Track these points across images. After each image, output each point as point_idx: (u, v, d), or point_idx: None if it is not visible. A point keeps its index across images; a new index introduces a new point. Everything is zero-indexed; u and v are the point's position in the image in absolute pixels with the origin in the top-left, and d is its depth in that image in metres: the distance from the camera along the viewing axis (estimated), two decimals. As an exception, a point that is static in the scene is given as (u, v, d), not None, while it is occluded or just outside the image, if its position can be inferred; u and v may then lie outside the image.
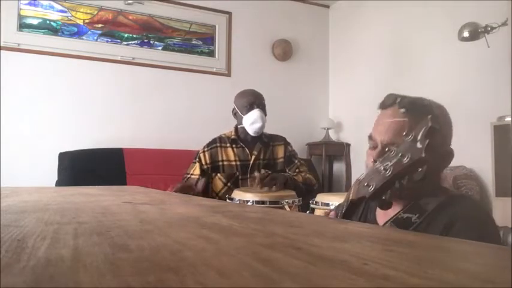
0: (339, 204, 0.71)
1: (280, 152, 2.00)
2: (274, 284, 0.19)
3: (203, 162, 1.93)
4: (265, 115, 1.95)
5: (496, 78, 2.37)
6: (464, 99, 2.58)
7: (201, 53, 3.49)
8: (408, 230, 0.80)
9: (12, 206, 0.59)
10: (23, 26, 2.91)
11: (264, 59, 3.69)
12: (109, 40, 3.18)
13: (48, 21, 3.00)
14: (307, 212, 1.55)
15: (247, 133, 1.95)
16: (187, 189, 1.73)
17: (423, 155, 0.48)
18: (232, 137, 1.97)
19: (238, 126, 2.00)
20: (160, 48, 3.35)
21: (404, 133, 0.58)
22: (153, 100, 3.23)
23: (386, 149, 0.60)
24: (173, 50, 3.38)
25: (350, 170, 3.53)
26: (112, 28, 3.19)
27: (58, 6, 3.04)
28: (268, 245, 0.29)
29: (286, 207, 1.52)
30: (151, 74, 3.25)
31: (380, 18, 3.38)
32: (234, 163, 1.93)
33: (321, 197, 1.57)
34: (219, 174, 1.93)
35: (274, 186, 1.70)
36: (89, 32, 3.13)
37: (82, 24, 3.11)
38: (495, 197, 2.10)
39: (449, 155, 0.85)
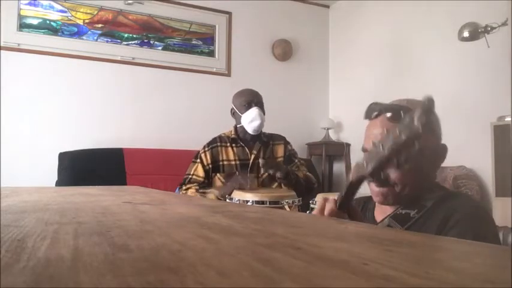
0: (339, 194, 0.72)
1: (280, 151, 2.00)
2: (274, 284, 0.19)
3: (205, 162, 1.93)
4: (264, 113, 1.95)
5: (496, 78, 2.37)
6: (464, 99, 2.59)
7: (201, 53, 3.49)
8: (407, 225, 0.80)
9: (12, 206, 0.59)
10: (23, 26, 2.91)
11: (264, 59, 3.69)
12: (109, 40, 3.18)
13: (48, 21, 3.00)
14: (307, 212, 1.55)
15: (246, 132, 1.95)
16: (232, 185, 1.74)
17: (420, 131, 0.49)
18: (232, 136, 1.97)
19: (238, 126, 2.00)
20: (160, 48, 3.35)
21: (372, 141, 0.60)
22: (153, 100, 3.23)
23: (386, 130, 0.60)
24: (173, 50, 3.38)
25: (350, 170, 3.53)
26: (112, 28, 3.19)
27: (58, 6, 3.04)
28: (268, 245, 0.29)
29: (286, 207, 1.53)
30: (151, 74, 3.25)
31: (380, 18, 3.38)
32: (233, 162, 1.93)
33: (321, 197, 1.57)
34: (218, 174, 1.92)
35: (278, 172, 1.70)
36: (89, 32, 3.13)
37: (82, 24, 3.11)
38: (495, 197, 2.10)
39: (443, 150, 0.86)
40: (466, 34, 2.38)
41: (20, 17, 2.90)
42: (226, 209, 0.57)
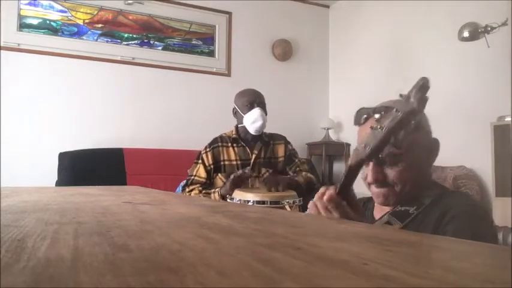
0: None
1: (280, 150, 2.00)
2: (274, 284, 0.19)
3: (206, 163, 1.93)
4: (266, 114, 1.95)
5: (496, 78, 2.37)
6: (464, 99, 2.59)
7: (201, 53, 3.49)
8: (406, 221, 0.81)
9: (12, 206, 0.59)
10: (23, 26, 2.91)
11: (264, 59, 3.69)
12: (109, 40, 3.18)
13: (48, 21, 3.00)
14: (311, 201, 1.55)
15: (247, 132, 1.95)
16: (238, 181, 1.75)
17: (415, 105, 0.50)
18: (233, 136, 1.97)
19: (239, 126, 1.99)
20: (160, 48, 3.35)
21: (371, 126, 0.59)
22: (153, 100, 3.23)
23: (382, 112, 0.60)
24: (173, 50, 3.38)
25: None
26: (112, 28, 3.19)
27: (58, 6, 3.04)
28: (268, 245, 0.29)
29: (287, 207, 1.53)
30: (151, 74, 3.25)
31: (380, 18, 3.38)
32: (234, 162, 1.93)
33: (321, 197, 1.56)
34: (219, 174, 1.92)
35: (278, 187, 1.71)
36: (89, 32, 3.13)
37: (82, 24, 3.11)
38: (495, 197, 2.10)
39: (435, 144, 0.86)
40: (466, 34, 2.38)
41: (20, 17, 2.90)
42: (226, 209, 0.57)
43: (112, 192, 0.94)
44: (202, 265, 0.23)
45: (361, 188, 0.91)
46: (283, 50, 3.72)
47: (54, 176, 2.68)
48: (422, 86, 0.50)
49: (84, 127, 3.01)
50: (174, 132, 3.23)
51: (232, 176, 1.77)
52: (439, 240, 0.37)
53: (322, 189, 0.73)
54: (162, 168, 2.86)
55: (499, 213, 2.01)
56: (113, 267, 0.22)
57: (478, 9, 2.49)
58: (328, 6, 4.01)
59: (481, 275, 0.22)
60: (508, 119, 2.08)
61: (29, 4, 2.94)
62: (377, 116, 0.82)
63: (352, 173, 0.67)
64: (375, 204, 0.93)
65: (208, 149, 1.95)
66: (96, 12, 3.15)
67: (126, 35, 3.24)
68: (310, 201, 0.75)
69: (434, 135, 0.89)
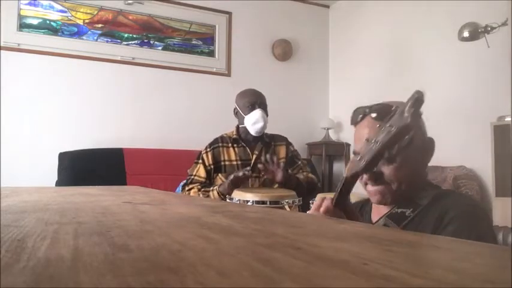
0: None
1: (282, 152, 2.00)
2: (274, 284, 0.19)
3: (206, 163, 1.93)
4: (267, 115, 1.95)
5: (496, 78, 2.37)
6: (464, 99, 2.59)
7: (201, 53, 3.49)
8: (402, 224, 0.81)
9: (12, 206, 0.59)
10: (23, 26, 2.91)
11: (264, 59, 3.69)
12: (109, 40, 3.18)
13: (48, 21, 3.00)
14: (308, 212, 1.55)
15: (248, 133, 1.95)
16: (237, 181, 1.75)
17: (409, 121, 0.50)
18: (234, 136, 1.97)
19: (240, 126, 1.99)
20: (160, 48, 3.35)
21: (365, 138, 0.60)
22: (153, 100, 3.23)
23: (378, 125, 0.61)
24: (173, 50, 3.38)
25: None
26: (112, 28, 3.19)
27: (58, 6, 3.04)
28: (268, 245, 0.29)
29: (287, 207, 1.52)
30: (151, 74, 3.25)
31: (380, 18, 3.38)
32: (235, 163, 1.93)
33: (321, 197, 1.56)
34: (220, 174, 1.92)
35: (277, 176, 1.73)
36: (89, 32, 3.13)
37: (82, 24, 3.11)
38: (495, 197, 2.10)
39: (430, 144, 0.86)
40: (466, 34, 2.38)
41: (20, 17, 2.90)
42: (226, 209, 0.57)
43: (112, 192, 0.94)
44: (202, 265, 0.23)
45: (360, 188, 0.91)
46: (283, 50, 3.72)
47: (54, 176, 2.68)
48: (417, 100, 0.50)
49: (84, 127, 3.01)
50: (174, 132, 3.23)
51: (231, 176, 1.77)
52: (439, 240, 0.37)
53: (318, 201, 0.74)
54: (162, 168, 2.86)
55: (499, 213, 2.01)
56: (113, 267, 0.22)
57: (478, 9, 2.49)
58: (328, 6, 4.01)
59: (481, 275, 0.22)
60: (508, 119, 2.08)
61: (29, 4, 2.94)
62: (373, 115, 0.83)
63: (348, 184, 0.68)
64: (372, 207, 0.92)
65: (208, 149, 1.95)
66: (96, 12, 3.15)
67: (126, 35, 3.24)
68: (308, 212, 0.75)
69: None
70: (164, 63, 3.31)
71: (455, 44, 2.56)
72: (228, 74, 3.52)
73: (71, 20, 3.08)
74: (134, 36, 3.26)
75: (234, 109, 2.03)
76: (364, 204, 0.97)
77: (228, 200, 1.62)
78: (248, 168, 1.83)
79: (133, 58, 3.21)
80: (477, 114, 2.46)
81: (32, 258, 0.24)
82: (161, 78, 3.28)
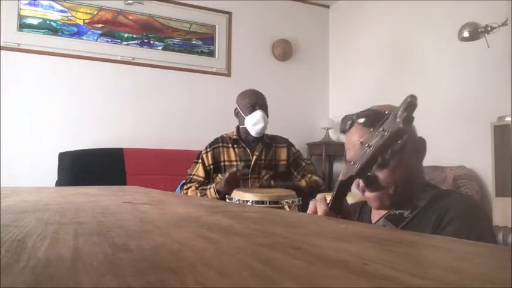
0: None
1: (283, 154, 1.99)
2: (274, 284, 0.19)
3: (206, 163, 1.93)
4: (267, 116, 1.95)
5: (496, 78, 2.37)
6: (464, 99, 2.59)
7: (201, 53, 3.49)
8: (401, 225, 0.80)
9: (12, 206, 0.59)
10: (23, 26, 2.91)
11: (264, 59, 3.69)
12: (109, 40, 3.18)
13: (48, 21, 3.00)
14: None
15: (248, 133, 1.94)
16: (232, 178, 1.76)
17: (401, 125, 0.50)
18: (234, 137, 1.97)
19: (240, 127, 1.99)
20: (160, 48, 3.35)
21: (360, 141, 0.61)
22: (153, 100, 3.23)
23: (372, 130, 0.62)
24: (173, 50, 3.38)
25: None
26: (112, 28, 3.19)
27: (58, 6, 3.04)
28: (268, 245, 0.29)
29: (286, 207, 1.52)
30: (151, 74, 3.25)
31: (380, 18, 3.38)
32: (235, 163, 1.93)
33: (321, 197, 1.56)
34: (220, 175, 1.92)
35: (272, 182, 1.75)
36: (89, 32, 3.13)
37: (82, 24, 3.11)
38: (495, 197, 2.10)
39: (421, 143, 0.87)
40: (466, 34, 2.38)
41: (20, 17, 2.91)
42: (226, 209, 0.57)
43: (112, 192, 0.94)
44: (202, 265, 0.23)
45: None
46: (283, 50, 3.72)
47: (54, 176, 2.68)
48: (410, 105, 0.50)
49: (84, 127, 3.01)
50: (174, 132, 3.23)
51: (227, 174, 1.77)
52: (438, 240, 0.37)
53: (312, 205, 0.74)
54: (162, 168, 2.86)
55: (499, 213, 2.01)
56: (113, 267, 0.22)
57: (478, 9, 2.49)
58: (328, 6, 4.01)
59: (481, 275, 0.22)
60: (508, 119, 2.08)
61: (29, 4, 2.94)
62: (361, 120, 0.83)
63: (343, 187, 0.68)
64: (372, 208, 0.92)
65: (208, 149, 1.95)
66: (96, 12, 3.15)
67: (126, 35, 3.24)
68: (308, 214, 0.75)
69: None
70: (164, 63, 3.31)
71: (455, 44, 2.56)
72: (228, 74, 3.52)
73: (71, 20, 3.08)
74: (134, 36, 3.26)
75: (235, 109, 2.03)
76: (364, 205, 0.97)
77: (227, 200, 1.62)
78: (242, 163, 1.84)
79: (133, 58, 3.21)
80: (477, 114, 2.46)
81: (32, 258, 0.24)
82: (161, 78, 3.28)
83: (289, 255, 0.25)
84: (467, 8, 2.57)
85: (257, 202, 1.51)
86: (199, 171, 1.93)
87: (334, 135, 3.75)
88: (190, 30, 3.45)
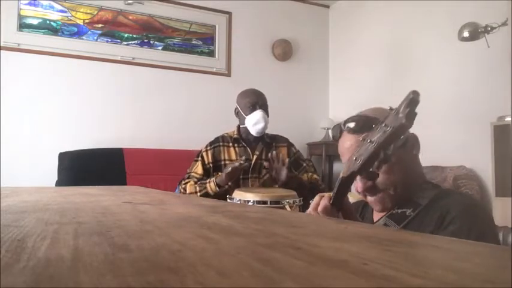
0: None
1: (283, 153, 1.99)
2: (274, 284, 0.19)
3: (206, 161, 1.93)
4: (268, 115, 1.95)
5: (496, 78, 2.37)
6: (464, 99, 2.59)
7: (201, 53, 3.49)
8: (403, 223, 0.80)
9: (12, 206, 0.59)
10: (23, 26, 2.91)
11: (264, 59, 3.69)
12: (109, 40, 3.18)
13: (48, 21, 3.00)
14: (306, 211, 1.55)
15: (249, 133, 1.95)
16: (234, 172, 1.77)
17: (404, 121, 0.50)
18: (235, 136, 1.98)
19: (241, 126, 1.99)
20: (160, 48, 3.35)
21: (362, 137, 0.61)
22: (153, 100, 3.23)
23: (374, 126, 0.61)
24: (173, 50, 3.38)
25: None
26: (112, 28, 3.19)
27: (58, 6, 3.04)
28: (268, 245, 0.29)
29: (287, 207, 1.52)
30: (151, 74, 3.25)
31: (380, 18, 3.38)
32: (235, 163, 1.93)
33: (321, 197, 1.56)
34: (220, 174, 1.92)
35: (280, 175, 1.78)
36: (89, 32, 3.13)
37: (82, 24, 3.11)
38: (495, 197, 2.10)
39: (413, 139, 0.87)
40: (466, 34, 2.38)
41: (20, 17, 2.91)
42: (227, 209, 0.57)
43: (112, 192, 0.94)
44: (202, 265, 0.23)
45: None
46: (283, 50, 3.72)
47: (54, 176, 2.68)
48: (412, 100, 0.50)
49: (84, 127, 3.01)
50: (174, 132, 3.23)
51: (229, 168, 1.77)
52: (438, 240, 0.37)
53: (316, 199, 0.74)
54: (162, 168, 2.86)
55: (499, 213, 2.01)
56: (113, 267, 0.22)
57: (478, 9, 2.49)
58: (328, 6, 4.01)
59: (481, 275, 0.22)
60: (508, 119, 2.08)
61: (29, 4, 2.94)
62: (351, 125, 0.84)
63: (344, 184, 0.68)
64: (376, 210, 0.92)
65: (209, 148, 1.96)
66: (96, 12, 3.15)
67: (126, 35, 3.24)
68: (306, 211, 0.76)
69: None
70: (164, 63, 3.31)
71: (455, 44, 2.56)
72: (228, 74, 3.52)
73: (71, 20, 3.08)
74: (134, 36, 3.26)
75: (235, 109, 2.03)
76: (366, 204, 0.97)
77: (228, 200, 1.62)
78: (244, 157, 1.84)
79: (133, 58, 3.21)
80: (477, 114, 2.46)
81: (32, 258, 0.24)
82: (161, 78, 3.28)
83: (289, 255, 0.25)
84: (467, 8, 2.57)
85: (258, 202, 1.51)
86: (197, 169, 1.93)
87: (333, 139, 3.74)
88: (190, 30, 3.45)
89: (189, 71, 3.38)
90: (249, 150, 1.95)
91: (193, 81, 3.39)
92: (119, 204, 0.62)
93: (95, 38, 3.14)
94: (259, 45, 3.69)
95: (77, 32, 3.09)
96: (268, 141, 1.99)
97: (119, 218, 0.45)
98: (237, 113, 2.03)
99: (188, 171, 1.97)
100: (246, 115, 1.93)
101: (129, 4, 3.22)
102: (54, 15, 3.02)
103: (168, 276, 0.20)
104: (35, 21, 2.96)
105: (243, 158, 1.85)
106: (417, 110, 0.51)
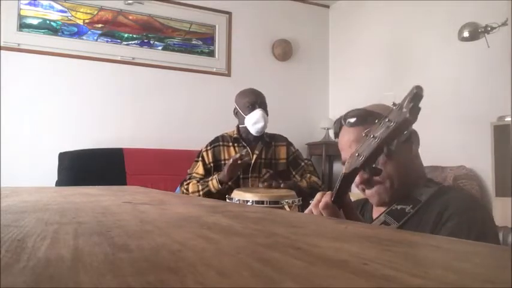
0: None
1: (282, 152, 2.00)
2: (274, 284, 0.19)
3: (206, 161, 1.93)
4: (267, 114, 1.95)
5: (496, 78, 2.37)
6: (464, 99, 2.59)
7: (201, 53, 3.49)
8: (402, 220, 0.80)
9: (12, 206, 0.59)
10: (23, 26, 2.91)
11: (264, 59, 3.69)
12: (109, 40, 3.18)
13: (48, 21, 3.00)
14: (307, 208, 1.55)
15: (249, 132, 1.95)
16: (233, 165, 1.77)
17: (408, 115, 0.50)
18: (234, 136, 1.98)
19: (240, 126, 2.00)
20: (160, 48, 3.35)
21: (364, 132, 0.60)
22: (153, 100, 3.23)
23: (376, 121, 0.61)
24: (173, 50, 3.38)
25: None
26: (112, 28, 3.19)
27: (58, 6, 3.04)
28: (268, 245, 0.29)
29: (286, 207, 1.52)
30: (151, 74, 3.25)
31: (380, 18, 3.38)
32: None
33: (321, 197, 1.56)
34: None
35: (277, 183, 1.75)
36: (89, 32, 3.13)
37: (82, 24, 3.11)
38: (495, 197, 2.10)
39: (415, 135, 0.87)
40: (466, 34, 2.38)
41: (20, 17, 2.91)
42: (226, 209, 0.57)
43: (112, 192, 0.94)
44: (202, 265, 0.23)
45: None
46: (283, 50, 3.72)
47: (54, 176, 2.68)
48: (416, 95, 0.50)
49: (84, 127, 3.01)
50: (174, 132, 3.23)
51: (230, 160, 1.77)
52: (439, 240, 0.37)
53: (318, 196, 0.73)
54: (162, 168, 2.86)
55: (499, 213, 2.01)
56: (113, 267, 0.22)
57: (478, 9, 2.49)
58: (328, 6, 4.01)
59: (481, 275, 0.22)
60: (508, 119, 2.08)
61: (29, 4, 2.94)
62: (351, 118, 0.84)
63: (346, 181, 0.68)
64: (373, 205, 0.92)
65: (209, 148, 1.96)
66: (96, 12, 3.15)
67: (126, 35, 3.24)
68: (307, 209, 0.75)
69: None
70: (164, 63, 3.31)
71: (455, 44, 2.56)
72: (228, 74, 3.52)
73: (71, 20, 3.08)
74: (134, 36, 3.26)
75: (234, 109, 2.03)
76: (365, 203, 0.97)
77: (227, 200, 1.62)
78: (245, 150, 1.84)
79: (133, 58, 3.21)
80: (477, 114, 2.46)
81: (32, 258, 0.24)
82: (161, 78, 3.28)
83: (289, 255, 0.25)
84: (467, 8, 2.57)
85: (257, 202, 1.51)
86: (199, 169, 1.93)
87: (334, 135, 3.74)
88: (190, 30, 3.45)
89: (189, 71, 3.38)
90: (248, 149, 1.95)
91: (193, 81, 3.39)
92: (118, 204, 0.62)
93: (95, 38, 3.14)
94: (259, 45, 3.69)
95: (77, 32, 3.09)
96: (267, 140, 1.99)
97: (119, 218, 0.44)
98: (236, 113, 2.03)
99: (189, 171, 1.97)
100: (246, 115, 1.93)
101: (129, 4, 3.22)
102: (54, 15, 3.02)
103: (168, 276, 0.20)
104: (35, 21, 2.96)
105: (244, 151, 1.85)
106: None
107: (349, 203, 0.76)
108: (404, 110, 0.51)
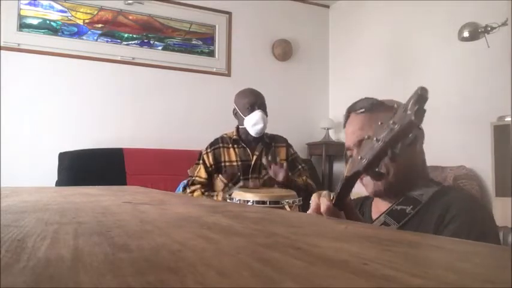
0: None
1: (282, 153, 2.00)
2: (274, 284, 0.19)
3: (207, 164, 1.93)
4: (267, 115, 1.95)
5: (496, 78, 2.37)
6: (464, 99, 2.59)
7: (201, 53, 3.49)
8: (403, 221, 0.80)
9: (12, 206, 0.59)
10: (23, 26, 2.91)
11: (264, 59, 3.69)
12: (109, 40, 3.18)
13: (48, 21, 3.00)
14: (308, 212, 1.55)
15: (248, 133, 1.95)
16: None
17: (413, 118, 0.50)
18: (234, 137, 1.97)
19: (240, 127, 1.99)
20: (160, 48, 3.35)
21: (379, 123, 0.60)
22: (153, 100, 3.23)
23: (380, 123, 0.60)
24: (173, 50, 3.38)
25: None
26: (112, 28, 3.19)
27: (58, 6, 3.04)
28: (268, 245, 0.29)
29: (287, 207, 1.52)
30: (151, 74, 3.25)
31: (380, 18, 3.38)
32: (235, 163, 1.93)
33: (321, 197, 1.56)
34: (220, 176, 1.93)
35: (278, 176, 1.77)
36: (89, 32, 3.13)
37: (82, 24, 3.11)
38: (495, 197, 2.10)
39: (420, 133, 0.87)
40: (466, 34, 2.38)
41: (20, 17, 2.90)
42: (226, 209, 0.57)
43: (112, 192, 0.94)
44: (202, 265, 0.23)
45: (360, 188, 0.91)
46: (283, 50, 3.72)
47: (54, 176, 2.68)
48: (420, 97, 0.50)
49: (84, 127, 3.01)
50: (174, 132, 3.23)
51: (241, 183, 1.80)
52: (438, 240, 0.37)
53: (315, 199, 0.72)
54: (162, 168, 2.86)
55: (499, 213, 2.01)
56: (113, 267, 0.22)
57: (478, 9, 2.49)
58: (328, 6, 4.01)
59: (481, 275, 0.22)
60: (508, 119, 2.08)
61: (29, 4, 2.94)
62: (360, 110, 0.84)
63: (348, 184, 0.67)
64: (372, 204, 0.92)
65: (209, 150, 1.96)
66: (96, 12, 3.15)
67: (126, 35, 3.24)
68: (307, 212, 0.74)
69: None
70: (164, 63, 3.31)
71: (455, 44, 2.56)
72: (228, 74, 3.52)
73: (71, 20, 3.08)
74: (134, 36, 3.26)
75: (234, 110, 2.03)
76: (364, 202, 0.97)
77: (228, 200, 1.62)
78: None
79: (133, 58, 3.21)
80: (477, 114, 2.46)
81: (32, 258, 0.24)
82: (161, 78, 3.28)
83: (289, 255, 0.25)
84: (467, 8, 2.57)
85: (258, 202, 1.51)
86: (201, 173, 1.93)
87: (334, 135, 3.75)
88: (190, 30, 3.45)
89: (189, 71, 3.38)
90: (248, 150, 1.95)
91: (193, 81, 3.39)
92: (119, 204, 0.62)
93: (95, 38, 3.14)
94: (259, 45, 3.69)
95: (77, 32, 3.09)
96: (267, 141, 1.99)
97: (119, 218, 0.45)
98: (235, 114, 2.02)
99: (190, 174, 1.97)
100: (245, 116, 1.93)
101: (129, 4, 3.22)
102: (54, 15, 3.02)
103: (168, 276, 0.20)
104: (35, 21, 2.96)
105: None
106: None
107: (350, 206, 0.76)
108: (409, 112, 0.51)
